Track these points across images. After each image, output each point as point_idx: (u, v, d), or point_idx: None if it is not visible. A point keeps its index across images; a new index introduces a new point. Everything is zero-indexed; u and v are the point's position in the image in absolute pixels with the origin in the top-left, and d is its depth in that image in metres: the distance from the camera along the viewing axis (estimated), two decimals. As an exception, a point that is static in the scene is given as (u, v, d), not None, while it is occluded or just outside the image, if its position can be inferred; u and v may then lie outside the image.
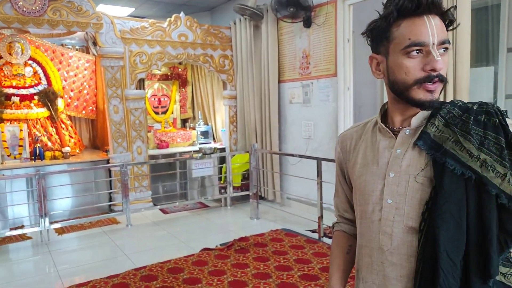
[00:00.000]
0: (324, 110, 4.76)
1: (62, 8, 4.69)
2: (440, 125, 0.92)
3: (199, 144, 6.18)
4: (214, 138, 6.60)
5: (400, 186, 0.94)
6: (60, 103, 5.51)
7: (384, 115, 1.05)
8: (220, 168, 5.63)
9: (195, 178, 5.44)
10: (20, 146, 5.00)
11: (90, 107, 6.05)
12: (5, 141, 4.91)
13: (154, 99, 6.64)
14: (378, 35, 0.96)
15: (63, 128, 5.55)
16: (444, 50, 0.92)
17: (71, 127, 5.75)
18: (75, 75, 5.87)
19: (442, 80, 0.92)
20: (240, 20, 5.61)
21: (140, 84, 5.43)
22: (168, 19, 5.46)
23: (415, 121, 0.96)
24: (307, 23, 4.77)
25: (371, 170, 1.00)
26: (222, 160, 5.64)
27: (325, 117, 4.73)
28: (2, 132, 4.90)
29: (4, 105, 5.09)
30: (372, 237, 0.98)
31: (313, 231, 4.23)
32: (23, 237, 4.39)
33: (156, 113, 6.65)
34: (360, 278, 1.03)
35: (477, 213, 0.84)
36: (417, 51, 0.90)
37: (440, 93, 0.96)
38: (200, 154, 5.23)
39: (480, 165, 0.85)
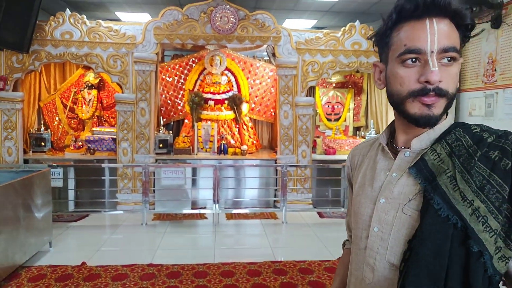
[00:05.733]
0: (510, 126, 3.96)
1: (248, 26, 5.43)
2: (443, 153, 0.79)
3: (367, 153, 6.04)
4: (384, 149, 6.32)
5: (388, 215, 0.83)
6: (244, 107, 6.36)
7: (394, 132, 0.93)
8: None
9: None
10: (210, 141, 6.05)
11: (270, 112, 6.74)
12: (200, 137, 6.04)
13: (328, 106, 6.86)
14: (380, 40, 0.87)
15: (244, 129, 6.39)
16: (449, 60, 0.78)
17: (252, 128, 6.55)
18: (260, 83, 6.66)
19: (441, 94, 0.78)
20: (420, 25, 5.22)
21: (310, 91, 5.73)
22: (342, 29, 5.58)
23: (416, 143, 0.85)
24: (496, 24, 4.08)
25: (365, 191, 0.91)
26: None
27: (511, 134, 3.94)
28: (199, 129, 6.05)
29: (203, 107, 6.25)
30: (358, 266, 0.90)
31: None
32: (202, 216, 5.32)
33: (329, 120, 6.85)
34: None
35: (462, 273, 0.71)
36: (413, 59, 0.79)
37: (446, 110, 0.81)
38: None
39: (471, 212, 0.71)
